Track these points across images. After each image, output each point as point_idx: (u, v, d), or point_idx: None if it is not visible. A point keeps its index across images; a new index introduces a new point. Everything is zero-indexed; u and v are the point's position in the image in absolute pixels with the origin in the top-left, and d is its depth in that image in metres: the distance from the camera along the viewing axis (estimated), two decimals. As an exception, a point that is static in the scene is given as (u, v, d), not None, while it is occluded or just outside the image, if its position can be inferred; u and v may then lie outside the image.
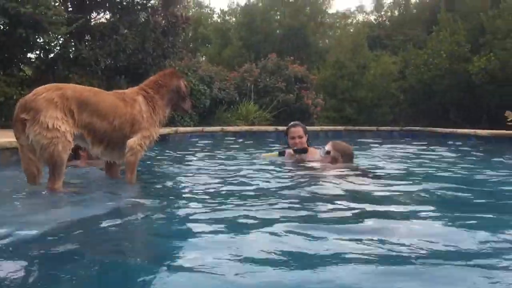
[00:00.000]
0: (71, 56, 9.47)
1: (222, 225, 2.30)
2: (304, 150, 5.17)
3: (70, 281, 1.61)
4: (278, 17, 22.43)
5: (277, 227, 2.24)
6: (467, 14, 16.81)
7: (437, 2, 21.88)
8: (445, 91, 15.98)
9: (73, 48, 9.58)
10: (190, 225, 2.38)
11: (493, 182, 4.07)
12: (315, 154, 5.12)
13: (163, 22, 10.40)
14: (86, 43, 9.68)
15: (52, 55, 9.41)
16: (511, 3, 15.42)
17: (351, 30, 23.02)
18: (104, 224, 2.44)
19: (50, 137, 3.17)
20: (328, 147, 4.63)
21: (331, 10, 26.37)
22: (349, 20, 28.66)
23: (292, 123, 5.51)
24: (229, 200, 3.00)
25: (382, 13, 27.39)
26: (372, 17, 27.84)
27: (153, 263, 1.83)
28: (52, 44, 9.13)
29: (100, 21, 10.45)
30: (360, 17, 29.07)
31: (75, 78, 8.71)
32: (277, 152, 5.59)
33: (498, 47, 14.48)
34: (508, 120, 9.39)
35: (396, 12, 26.61)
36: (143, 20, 10.51)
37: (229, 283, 1.56)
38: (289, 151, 5.36)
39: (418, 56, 17.04)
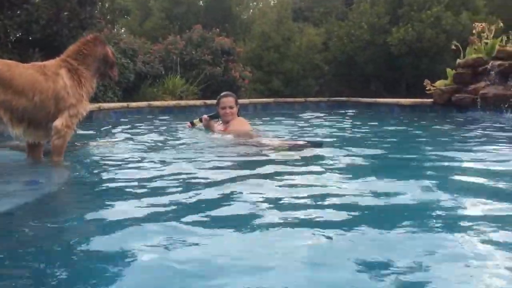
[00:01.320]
0: (-24, 28, 8.55)
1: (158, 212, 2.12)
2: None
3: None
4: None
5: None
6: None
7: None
8: (366, 62, 16.46)
9: (-22, 19, 8.65)
10: (123, 212, 2.13)
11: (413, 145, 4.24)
12: (245, 125, 5.08)
13: (79, -10, 9.65)
14: (-7, 13, 8.77)
15: (-48, 26, 8.44)
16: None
17: (275, 1, 22.94)
18: (21, 218, 2.18)
19: None
20: None
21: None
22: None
23: (223, 93, 5.42)
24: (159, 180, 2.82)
25: (304, -16, 27.55)
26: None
27: (87, 259, 1.60)
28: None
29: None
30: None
31: (-19, 52, 7.89)
32: (199, 119, 5.59)
33: (415, 19, 15.07)
34: (427, 88, 9.86)
35: (317, -16, 26.86)
36: (55, -12, 9.68)
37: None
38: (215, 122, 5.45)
39: (340, 28, 17.34)
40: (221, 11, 19.86)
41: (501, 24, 9.66)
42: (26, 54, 8.80)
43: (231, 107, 5.14)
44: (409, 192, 2.32)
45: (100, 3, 11.44)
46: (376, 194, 2.31)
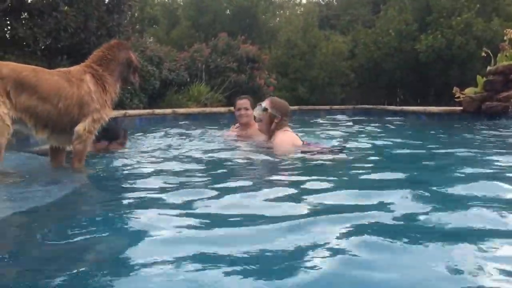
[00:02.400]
0: (7, 36, 8.78)
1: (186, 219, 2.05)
2: None
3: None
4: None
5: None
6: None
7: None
8: (393, 70, 16.24)
9: (9, 27, 8.88)
10: (145, 216, 2.08)
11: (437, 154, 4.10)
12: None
13: (107, -1, 9.83)
14: (23, 22, 8.99)
15: (-16, 35, 8.70)
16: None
17: (301, 10, 22.95)
18: (47, 219, 2.18)
19: None
20: (265, 103, 4.34)
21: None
22: (297, 1, 28.65)
23: (239, 96, 5.50)
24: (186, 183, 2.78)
25: (330, -7, 27.50)
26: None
27: (106, 261, 1.58)
28: (-15, 22, 8.42)
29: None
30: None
31: (11, 59, 8.07)
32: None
33: (444, 25, 14.80)
34: (456, 96, 9.63)
35: (343, -8, 26.75)
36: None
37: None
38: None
39: (367, 35, 17.19)
40: (247, 19, 19.93)
41: (534, 30, 9.38)
42: (55, 62, 8.97)
43: (246, 109, 5.13)
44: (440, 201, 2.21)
45: (129, 13, 11.59)
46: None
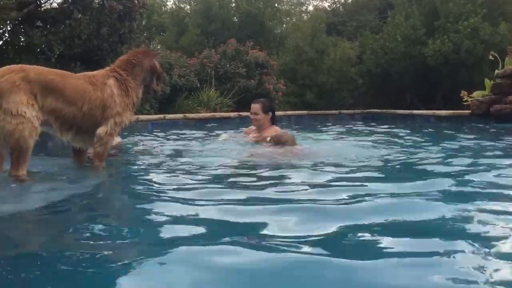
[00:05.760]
0: (22, 44, 8.96)
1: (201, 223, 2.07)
2: None
3: (38, 278, 1.44)
4: (233, 4, 22.15)
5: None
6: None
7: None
8: (401, 74, 16.31)
9: (24, 35, 9.06)
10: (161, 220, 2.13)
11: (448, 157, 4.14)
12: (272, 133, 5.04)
13: (119, 6, 9.98)
14: (38, 29, 9.17)
15: (0, 42, 8.87)
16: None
17: (308, 15, 23.10)
18: (71, 214, 2.31)
19: (15, 123, 2.96)
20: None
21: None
22: (304, 8, 28.83)
23: (255, 99, 5.66)
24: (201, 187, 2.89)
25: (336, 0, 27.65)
26: (326, 4, 28.12)
27: (123, 259, 1.61)
28: (1, 30, 8.60)
29: (52, 5, 9.92)
30: (314, 4, 29.31)
31: (27, 66, 8.24)
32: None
33: (451, 30, 14.88)
34: (464, 99, 9.68)
35: (349, -1, 26.89)
36: (97, 4, 10.04)
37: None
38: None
39: (374, 41, 17.29)
40: (255, 26, 20.09)
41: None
42: (68, 68, 9.12)
43: (255, 113, 5.28)
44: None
45: (140, 18, 11.76)
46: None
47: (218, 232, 1.83)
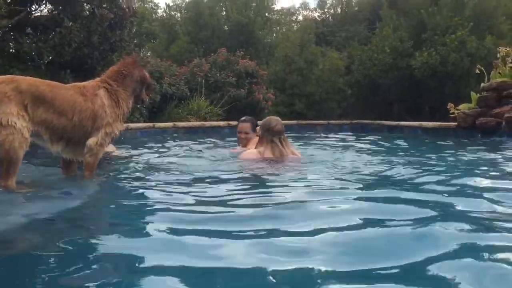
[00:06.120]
0: (12, 51, 8.91)
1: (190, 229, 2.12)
2: None
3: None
4: (224, 13, 22.27)
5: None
6: (408, 10, 17.36)
7: (377, 0, 22.56)
8: (389, 86, 16.48)
9: (13, 42, 9.02)
10: (151, 226, 2.20)
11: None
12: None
13: (110, 15, 9.98)
14: (28, 37, 9.14)
15: (-10, 49, 8.81)
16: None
17: (298, 25, 23.28)
18: (61, 225, 2.32)
19: (5, 134, 2.97)
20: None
21: (276, 7, 26.56)
22: (294, 17, 29.05)
23: (242, 118, 5.60)
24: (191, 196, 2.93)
25: (325, 10, 27.91)
26: (316, 14, 28.33)
27: (115, 268, 1.67)
28: (-9, 37, 8.55)
29: (43, 13, 9.90)
30: (304, 14, 29.53)
31: (16, 73, 8.19)
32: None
33: (439, 42, 15.10)
34: (451, 112, 9.82)
35: (339, 10, 27.16)
36: (88, 13, 10.04)
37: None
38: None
39: (363, 52, 17.46)
40: (245, 35, 20.20)
41: (526, 49, 9.62)
42: (58, 76, 9.09)
43: (246, 133, 5.33)
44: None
45: (131, 26, 11.78)
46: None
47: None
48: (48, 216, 2.46)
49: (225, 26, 21.35)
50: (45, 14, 9.87)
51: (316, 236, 1.87)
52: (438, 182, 3.28)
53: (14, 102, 3.05)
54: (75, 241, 1.94)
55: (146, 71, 3.85)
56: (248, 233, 1.97)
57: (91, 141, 3.43)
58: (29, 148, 3.16)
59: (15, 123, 3.02)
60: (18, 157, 3.04)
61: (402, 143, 7.94)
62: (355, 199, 2.65)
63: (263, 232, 1.97)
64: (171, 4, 25.93)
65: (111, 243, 1.92)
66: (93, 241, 1.97)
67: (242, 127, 5.39)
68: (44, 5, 10.00)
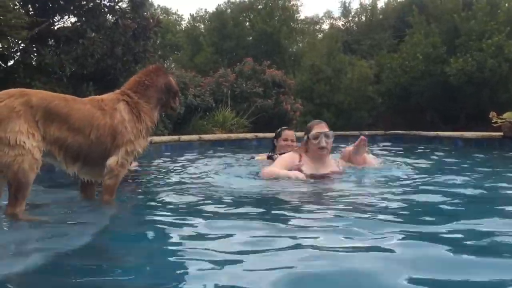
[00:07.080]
0: (33, 63, 8.69)
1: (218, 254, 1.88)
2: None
3: None
4: (248, 23, 22.07)
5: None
6: (440, 16, 16.80)
7: (403, 7, 22.03)
8: (422, 93, 15.90)
9: (35, 54, 8.81)
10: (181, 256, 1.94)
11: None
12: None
13: (134, 25, 9.72)
14: (50, 48, 8.92)
15: (12, 62, 8.61)
16: (483, 4, 15.49)
17: (323, 34, 22.91)
18: (77, 263, 1.94)
19: (13, 155, 2.58)
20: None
21: (300, 16, 26.22)
22: (317, 26, 28.67)
23: (284, 127, 5.61)
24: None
25: (350, 18, 27.44)
26: (340, 23, 27.87)
27: None
28: (12, 50, 8.34)
29: (65, 24, 9.70)
30: (329, 23, 29.15)
31: (38, 86, 7.95)
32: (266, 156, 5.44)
33: (474, 48, 14.48)
34: (493, 121, 9.17)
35: (363, 18, 26.66)
36: (111, 23, 9.80)
37: None
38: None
39: (393, 60, 16.93)
40: (270, 44, 19.89)
41: None
42: (80, 88, 8.86)
43: (292, 140, 5.21)
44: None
45: (155, 37, 11.54)
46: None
47: None
48: (60, 251, 2.04)
49: (250, 36, 21.09)
50: (68, 25, 9.68)
51: None
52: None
53: (23, 119, 2.66)
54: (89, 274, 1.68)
55: (172, 78, 3.42)
56: None
57: (111, 161, 3.01)
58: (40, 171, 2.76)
59: (25, 142, 2.63)
60: (27, 180, 2.64)
61: (451, 157, 7.23)
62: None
63: None
64: (195, 15, 25.90)
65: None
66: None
67: (290, 134, 5.31)
68: (67, 16, 9.81)
